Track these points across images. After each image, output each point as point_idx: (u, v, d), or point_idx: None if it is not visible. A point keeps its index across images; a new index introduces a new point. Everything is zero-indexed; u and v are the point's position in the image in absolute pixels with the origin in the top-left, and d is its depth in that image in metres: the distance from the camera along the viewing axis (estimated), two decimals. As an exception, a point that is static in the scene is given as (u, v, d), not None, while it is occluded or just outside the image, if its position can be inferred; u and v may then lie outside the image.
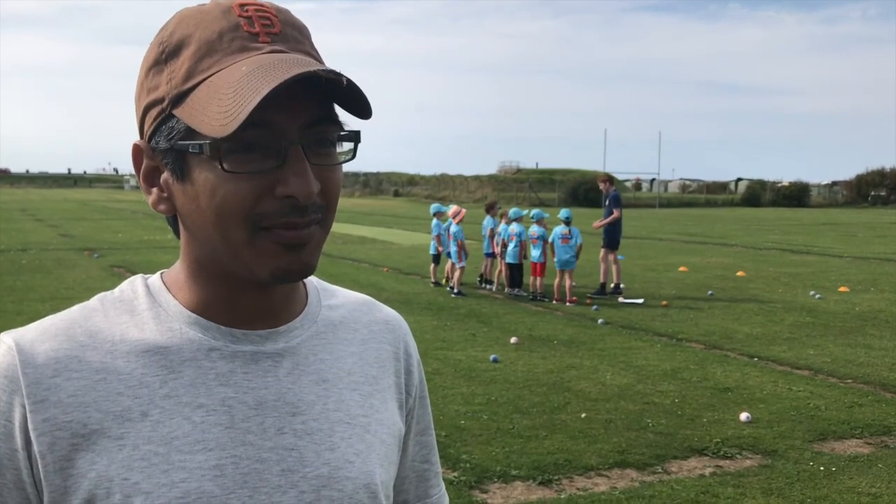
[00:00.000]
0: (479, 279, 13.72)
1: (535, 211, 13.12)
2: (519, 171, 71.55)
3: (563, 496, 4.69)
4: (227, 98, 0.75)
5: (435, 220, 13.54)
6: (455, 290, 12.41)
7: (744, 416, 6.14)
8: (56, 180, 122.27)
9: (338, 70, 0.77)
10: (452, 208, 13.39)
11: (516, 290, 12.42)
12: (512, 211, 12.99)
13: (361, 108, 0.81)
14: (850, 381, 7.40)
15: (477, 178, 64.34)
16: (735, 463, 5.29)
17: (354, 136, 0.85)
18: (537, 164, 77.71)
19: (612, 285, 12.47)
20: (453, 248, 12.57)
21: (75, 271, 14.55)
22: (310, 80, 0.76)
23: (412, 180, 72.03)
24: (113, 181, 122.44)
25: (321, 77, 0.76)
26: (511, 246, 12.30)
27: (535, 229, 12.22)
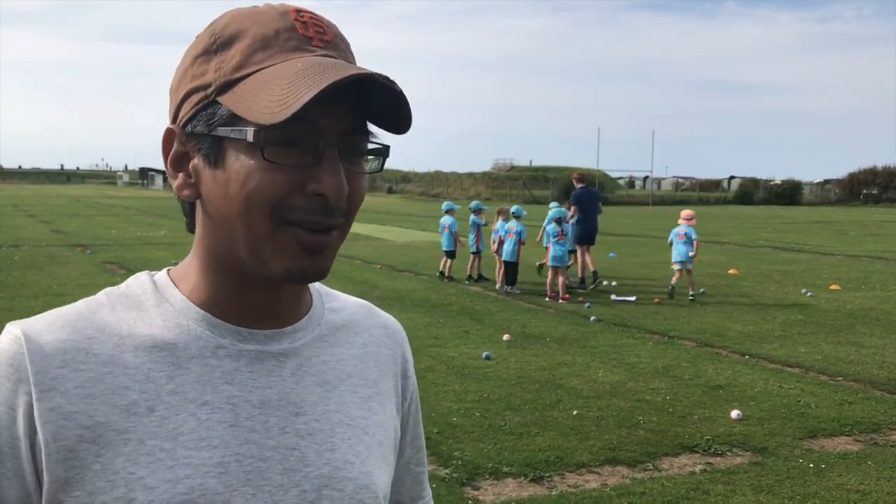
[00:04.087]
0: (467, 277, 13.80)
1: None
2: (513, 168, 71.59)
3: (554, 493, 4.71)
4: (280, 89, 0.77)
5: (447, 217, 13.69)
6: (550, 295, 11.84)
7: (735, 413, 6.17)
8: (49, 176, 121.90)
9: (392, 78, 0.80)
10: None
11: (508, 287, 12.43)
12: (514, 208, 13.00)
13: (399, 121, 0.84)
14: (840, 378, 7.44)
15: (471, 175, 64.34)
16: (726, 460, 5.32)
17: (384, 151, 0.87)
18: (531, 161, 77.88)
19: (591, 275, 12.99)
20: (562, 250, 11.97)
21: (68, 268, 14.50)
22: (356, 89, 0.79)
23: (406, 177, 71.86)
24: (106, 177, 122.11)
25: (377, 82, 0.78)
26: (509, 244, 12.31)
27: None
